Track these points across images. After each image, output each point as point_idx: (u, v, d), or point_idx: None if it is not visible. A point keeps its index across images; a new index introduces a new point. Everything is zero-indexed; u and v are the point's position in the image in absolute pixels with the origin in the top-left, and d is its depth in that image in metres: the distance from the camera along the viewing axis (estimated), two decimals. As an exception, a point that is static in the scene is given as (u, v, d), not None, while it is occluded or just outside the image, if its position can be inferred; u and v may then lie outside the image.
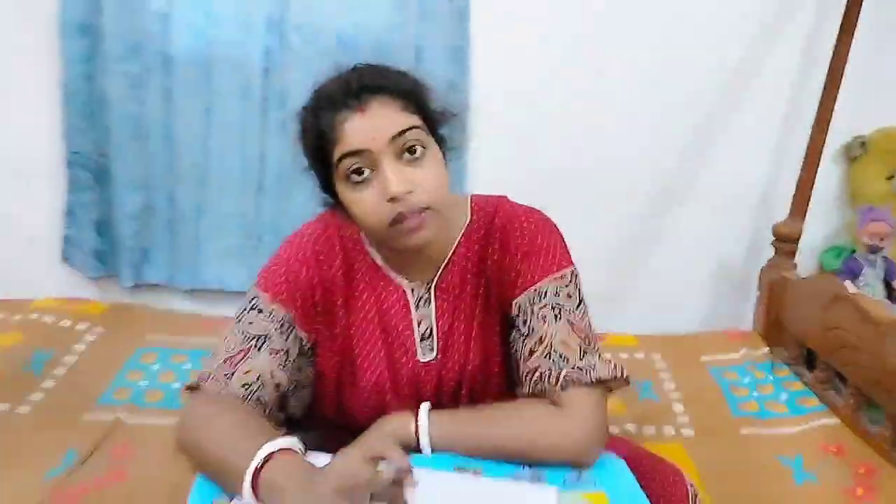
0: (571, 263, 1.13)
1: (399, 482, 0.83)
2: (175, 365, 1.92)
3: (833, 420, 1.79)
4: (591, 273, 2.27)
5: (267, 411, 1.04)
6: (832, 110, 2.10)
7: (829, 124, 2.12)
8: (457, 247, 1.14)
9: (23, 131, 2.22)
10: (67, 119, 2.17)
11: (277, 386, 1.05)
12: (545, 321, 1.06)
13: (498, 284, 1.13)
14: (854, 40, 2.07)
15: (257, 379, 1.03)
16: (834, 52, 2.08)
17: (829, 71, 2.09)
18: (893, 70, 2.27)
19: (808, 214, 2.24)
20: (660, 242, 2.41)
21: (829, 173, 2.34)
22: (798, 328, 2.06)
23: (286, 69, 2.14)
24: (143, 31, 2.11)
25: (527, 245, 1.11)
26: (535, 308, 1.08)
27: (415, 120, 1.00)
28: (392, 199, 0.97)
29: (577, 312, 1.08)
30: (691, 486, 1.14)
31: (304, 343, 1.11)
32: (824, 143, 2.13)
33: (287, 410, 1.14)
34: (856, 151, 2.30)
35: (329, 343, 1.13)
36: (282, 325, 1.08)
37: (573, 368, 1.02)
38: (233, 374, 1.03)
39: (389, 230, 1.00)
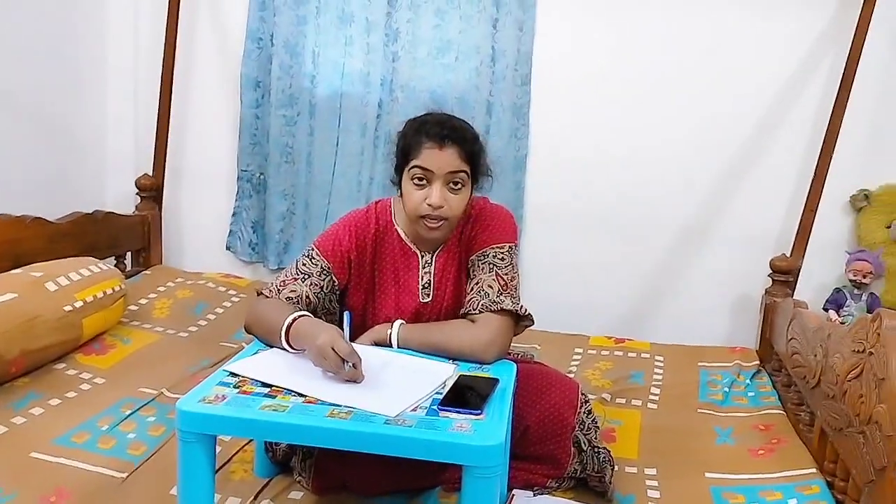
0: (513, 241, 1.72)
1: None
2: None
3: (780, 412, 2.17)
4: (626, 291, 2.78)
5: None
6: (828, 166, 2.53)
7: (825, 178, 2.54)
8: (452, 233, 1.76)
9: (210, 153, 3.13)
10: (241, 146, 3.04)
11: (308, 304, 1.67)
12: (482, 272, 1.67)
13: (466, 251, 1.74)
14: (863, 106, 2.52)
15: (296, 297, 1.67)
16: (830, 119, 2.51)
17: (826, 133, 2.52)
18: (897, 132, 2.64)
19: (821, 256, 2.64)
20: (685, 273, 2.88)
21: (839, 221, 2.71)
22: (777, 343, 2.45)
23: (392, 115, 2.88)
24: (297, 86, 2.95)
25: (484, 226, 1.72)
26: (479, 264, 1.69)
27: (465, 167, 1.61)
28: (429, 205, 1.60)
29: (504, 269, 1.67)
30: (583, 395, 1.70)
31: (335, 284, 1.72)
32: (821, 194, 2.55)
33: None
34: (860, 203, 2.65)
35: (358, 286, 1.75)
36: (321, 270, 1.71)
37: (489, 301, 1.62)
38: (283, 290, 1.68)
39: (419, 220, 1.62)
